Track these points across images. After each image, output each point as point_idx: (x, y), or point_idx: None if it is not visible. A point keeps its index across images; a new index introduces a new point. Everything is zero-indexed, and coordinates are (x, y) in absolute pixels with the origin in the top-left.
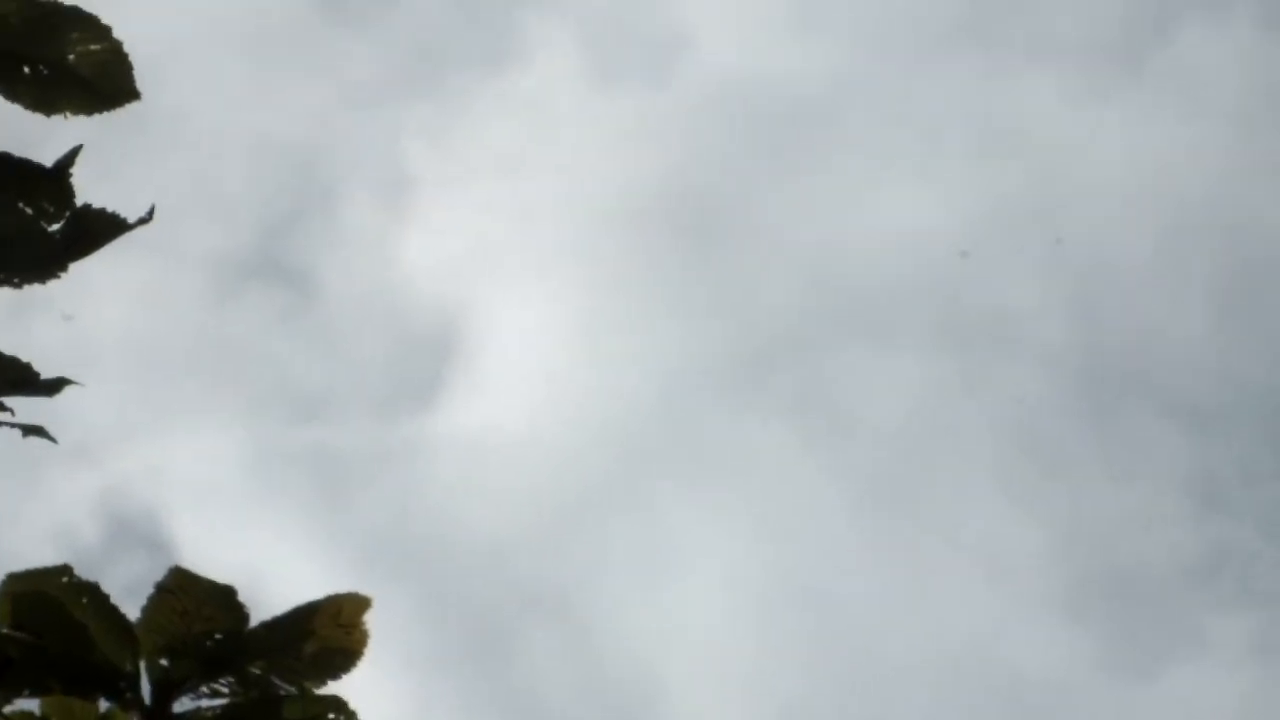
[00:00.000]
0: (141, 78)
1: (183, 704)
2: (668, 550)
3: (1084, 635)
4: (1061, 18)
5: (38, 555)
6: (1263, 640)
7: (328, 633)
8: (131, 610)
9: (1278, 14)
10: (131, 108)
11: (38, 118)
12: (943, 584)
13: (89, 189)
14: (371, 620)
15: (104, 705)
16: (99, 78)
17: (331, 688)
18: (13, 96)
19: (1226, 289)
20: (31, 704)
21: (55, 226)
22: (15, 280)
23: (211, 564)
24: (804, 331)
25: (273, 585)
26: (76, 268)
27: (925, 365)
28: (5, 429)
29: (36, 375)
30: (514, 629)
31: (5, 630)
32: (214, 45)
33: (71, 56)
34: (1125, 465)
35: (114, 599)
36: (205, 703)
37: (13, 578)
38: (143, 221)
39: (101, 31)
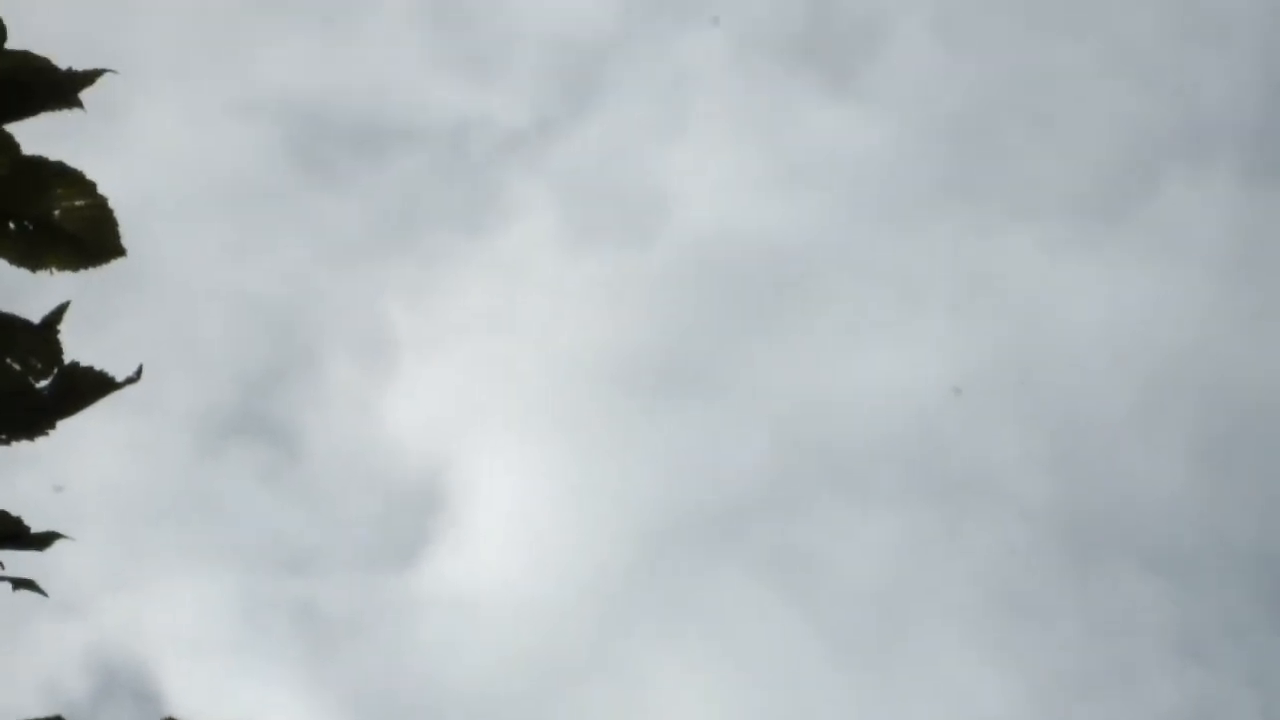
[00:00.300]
0: (127, 235)
1: None
2: (650, 707)
3: None
4: (1043, 172)
5: (26, 708)
6: None
7: None
8: None
9: (1259, 167)
10: (117, 264)
11: (23, 273)
12: None
13: (74, 344)
14: None
15: None
16: (85, 234)
17: None
18: None
19: (1206, 443)
20: None
21: (43, 383)
22: (4, 437)
23: (200, 716)
24: (783, 488)
25: None
26: (64, 425)
27: (904, 520)
28: None
29: (27, 530)
30: None
31: None
32: (199, 204)
33: (57, 212)
34: (1105, 619)
35: None
36: None
37: None
38: (131, 380)
39: (87, 188)
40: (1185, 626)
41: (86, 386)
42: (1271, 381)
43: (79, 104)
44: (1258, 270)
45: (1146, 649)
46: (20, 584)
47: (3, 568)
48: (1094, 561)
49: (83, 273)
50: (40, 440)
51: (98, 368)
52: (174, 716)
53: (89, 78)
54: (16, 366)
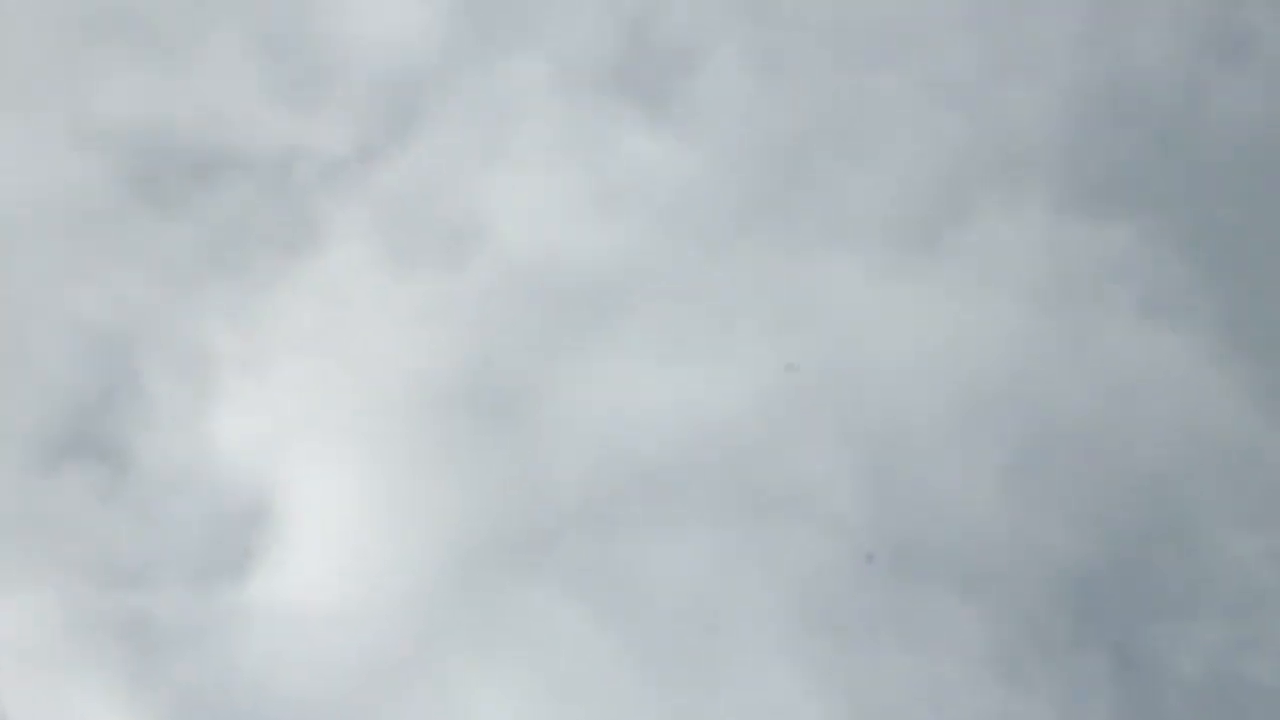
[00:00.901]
0: None
1: None
2: (467, 712)
3: None
4: (858, 198)
5: None
6: None
7: None
8: None
9: (1069, 197)
10: None
11: None
12: None
13: None
14: None
15: None
16: None
17: None
18: None
19: (1018, 462)
20: None
21: None
22: None
23: None
24: (597, 505)
25: None
26: None
27: (719, 537)
28: None
29: None
30: None
31: None
32: (32, 229)
33: None
34: (918, 635)
35: None
36: None
37: None
38: None
39: None
40: (998, 644)
41: None
42: (1079, 402)
43: None
44: (1067, 296)
45: (961, 667)
46: None
47: None
48: (909, 579)
49: None
50: None
51: None
52: None
53: None
54: None
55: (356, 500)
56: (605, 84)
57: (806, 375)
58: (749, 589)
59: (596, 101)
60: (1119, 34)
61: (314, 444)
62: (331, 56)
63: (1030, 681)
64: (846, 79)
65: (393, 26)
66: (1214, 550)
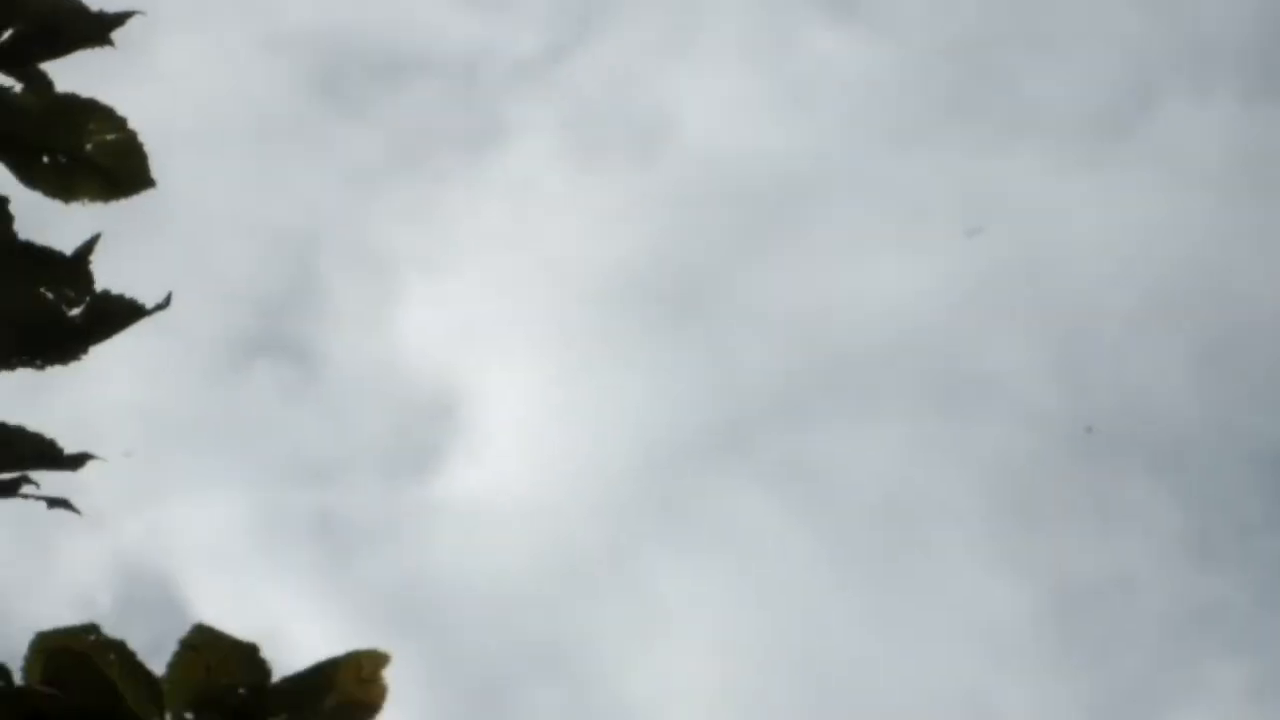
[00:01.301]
0: (155, 166)
1: None
2: (660, 613)
3: (1077, 690)
4: (1044, 93)
5: (59, 619)
6: (1258, 686)
7: (348, 687)
8: (156, 668)
9: (1258, 86)
10: (145, 195)
11: (56, 204)
12: (934, 646)
13: (105, 273)
14: (390, 675)
15: None
16: (115, 167)
17: None
18: (32, 184)
19: (1209, 349)
20: None
21: (76, 311)
22: (38, 363)
23: (228, 622)
24: (788, 400)
25: (285, 646)
26: (95, 350)
27: (911, 430)
28: (30, 501)
29: (60, 451)
30: (517, 689)
31: (37, 686)
32: (221, 136)
33: (89, 146)
34: (1115, 523)
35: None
36: None
37: (43, 636)
38: (160, 307)
39: (118, 122)
40: (1195, 530)
41: (117, 314)
42: (1270, 290)
43: (110, 42)
44: (1257, 186)
45: (1157, 553)
46: (55, 503)
47: (37, 487)
48: (1102, 466)
49: (113, 204)
50: (73, 365)
51: (127, 295)
52: (202, 623)
53: (119, 19)
54: (50, 295)
55: (544, 396)
56: None
57: (996, 267)
58: (942, 478)
59: None
60: None
61: (500, 341)
62: None
63: (1224, 563)
64: None
65: None
66: None
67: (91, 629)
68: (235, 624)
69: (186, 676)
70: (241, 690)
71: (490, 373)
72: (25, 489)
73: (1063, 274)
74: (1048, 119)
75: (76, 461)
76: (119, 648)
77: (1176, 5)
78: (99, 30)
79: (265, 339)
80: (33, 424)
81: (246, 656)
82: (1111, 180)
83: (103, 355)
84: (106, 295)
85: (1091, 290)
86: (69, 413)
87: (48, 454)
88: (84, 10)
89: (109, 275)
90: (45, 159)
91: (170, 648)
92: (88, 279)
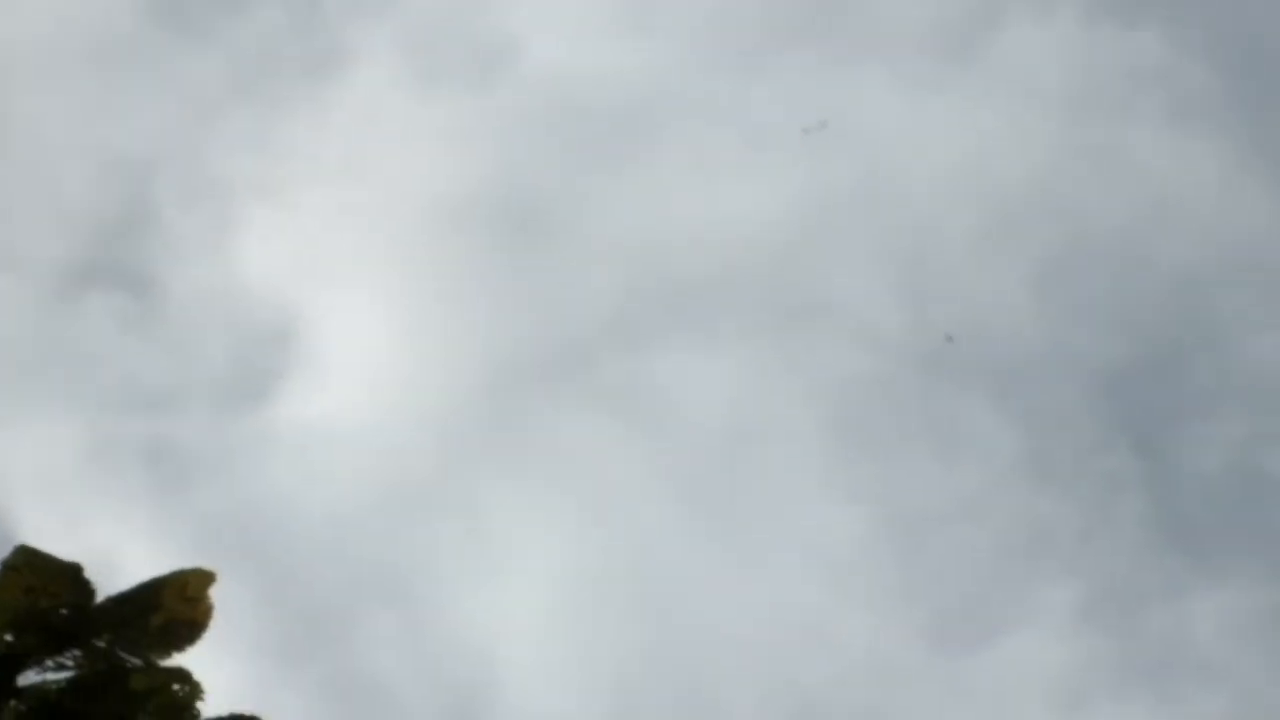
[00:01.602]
0: None
1: (28, 678)
2: (498, 537)
3: (912, 613)
4: (889, 13)
5: None
6: (1087, 608)
7: (174, 606)
8: None
9: (1099, 6)
10: None
11: None
12: (771, 569)
13: None
14: (216, 594)
15: None
16: None
17: (176, 660)
18: None
19: (1046, 269)
20: None
21: None
22: None
23: (58, 548)
24: (629, 323)
25: (118, 572)
26: None
27: (752, 354)
28: None
29: None
30: (352, 613)
31: None
32: (57, 63)
33: None
34: (953, 447)
35: None
36: (51, 675)
37: None
38: None
39: None
40: (1032, 451)
41: None
42: (1108, 209)
43: None
44: (1096, 105)
45: (994, 475)
46: None
47: None
48: (943, 389)
49: None
50: None
51: None
52: (26, 544)
53: None
54: None
55: (382, 323)
56: None
57: (839, 189)
58: (781, 401)
59: None
60: None
61: (339, 267)
62: None
63: (1060, 483)
64: None
65: None
66: (1238, 351)
67: None
68: (66, 549)
69: (6, 598)
70: (64, 610)
71: (330, 300)
72: None
73: (906, 195)
74: (890, 37)
75: None
76: None
77: None
78: None
79: (102, 266)
80: None
81: (70, 577)
82: (954, 97)
83: None
84: None
85: (934, 211)
86: None
87: None
88: None
89: None
90: None
91: None
92: None
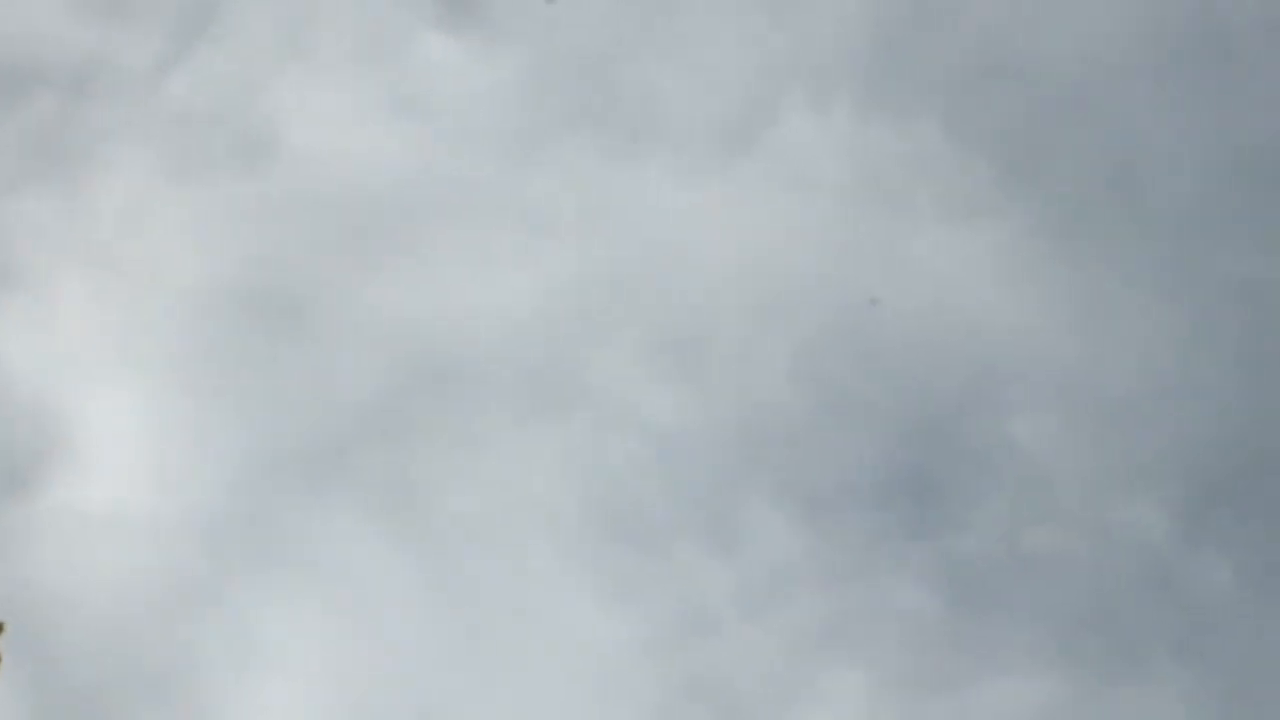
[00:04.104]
0: None
1: None
2: (260, 636)
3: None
4: (667, 103)
5: None
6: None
7: None
8: None
9: (874, 99)
10: None
11: None
12: (537, 673)
13: None
14: None
15: None
16: None
17: None
18: None
19: (823, 359)
20: None
21: None
22: None
23: None
24: (388, 416)
25: None
26: None
27: (515, 443)
28: None
29: None
30: (111, 713)
31: None
32: None
33: None
34: (730, 539)
35: None
36: None
37: None
38: None
39: None
40: (813, 540)
41: None
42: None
43: None
44: (870, 196)
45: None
46: None
47: None
48: (712, 478)
49: None
50: None
51: None
52: None
53: None
54: None
55: (142, 415)
56: None
57: (613, 275)
58: (549, 494)
59: (396, 6)
60: None
61: (104, 358)
62: None
63: (839, 573)
64: None
65: None
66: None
67: None
68: None
69: None
70: None
71: (90, 390)
72: None
73: (682, 284)
74: (670, 128)
75: None
76: None
77: (797, 22)
78: None
79: None
80: None
81: None
82: (731, 190)
83: None
84: None
85: (710, 300)
86: None
87: None
88: None
89: None
90: None
91: None
92: None
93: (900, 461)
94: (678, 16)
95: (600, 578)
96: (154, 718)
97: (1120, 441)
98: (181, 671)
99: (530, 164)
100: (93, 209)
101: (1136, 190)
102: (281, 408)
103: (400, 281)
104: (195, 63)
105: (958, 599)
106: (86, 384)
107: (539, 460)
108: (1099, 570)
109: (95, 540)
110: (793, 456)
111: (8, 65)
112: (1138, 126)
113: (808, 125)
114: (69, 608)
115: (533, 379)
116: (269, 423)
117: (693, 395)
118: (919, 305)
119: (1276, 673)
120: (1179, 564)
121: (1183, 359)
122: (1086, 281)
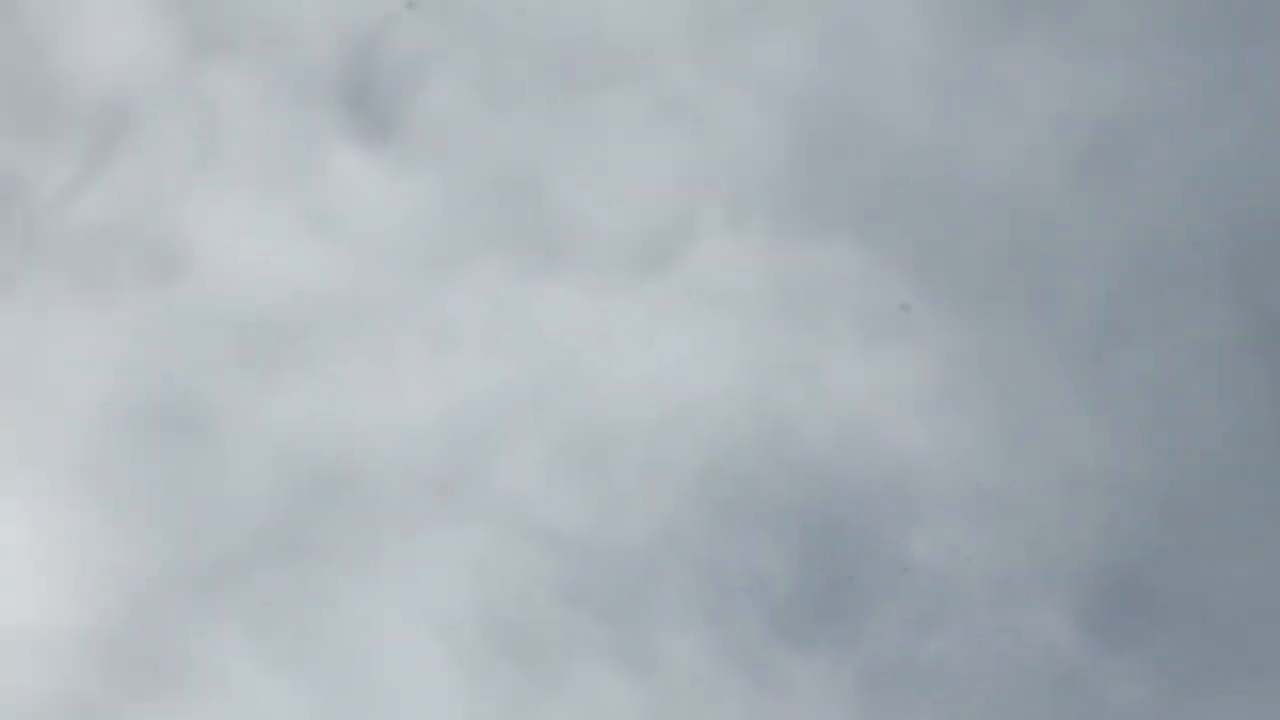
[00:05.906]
0: None
1: None
2: None
3: None
4: (582, 220)
5: None
6: None
7: None
8: None
9: (791, 219)
10: None
11: None
12: None
13: None
14: None
15: None
16: None
17: None
18: None
19: (733, 480)
20: None
21: None
22: None
23: None
24: (290, 537)
25: None
26: None
27: (417, 559)
28: None
29: None
30: None
31: None
32: None
33: None
34: (634, 661)
35: None
36: None
37: None
38: None
39: None
40: (718, 662)
41: None
42: (795, 416)
43: None
44: (786, 316)
45: (679, 688)
46: None
47: None
48: (621, 597)
49: None
50: None
51: None
52: None
53: None
54: None
55: (39, 531)
56: (320, 103)
57: (522, 390)
58: (448, 604)
59: (310, 122)
60: (846, 54)
61: None
62: (42, 78)
63: (746, 694)
64: (571, 99)
65: (96, 50)
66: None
67: None
68: None
69: None
70: None
71: None
72: None
73: (592, 400)
74: (585, 247)
75: None
76: None
77: (715, 139)
78: None
79: None
80: None
81: None
82: (645, 308)
83: None
84: None
85: (620, 416)
86: None
87: None
88: None
89: None
90: None
91: None
92: None
93: (809, 574)
94: (595, 133)
95: (500, 694)
96: None
97: (1027, 548)
98: None
99: (442, 280)
100: None
101: (1051, 298)
102: (180, 525)
103: (304, 397)
104: (105, 179)
105: (867, 712)
106: None
107: (438, 573)
108: (1006, 679)
109: None
110: (701, 574)
111: None
112: (1054, 239)
113: (724, 242)
114: None
115: (433, 490)
116: (166, 540)
117: (600, 510)
118: (833, 423)
119: None
120: (1089, 672)
121: (1098, 462)
122: (1000, 394)
